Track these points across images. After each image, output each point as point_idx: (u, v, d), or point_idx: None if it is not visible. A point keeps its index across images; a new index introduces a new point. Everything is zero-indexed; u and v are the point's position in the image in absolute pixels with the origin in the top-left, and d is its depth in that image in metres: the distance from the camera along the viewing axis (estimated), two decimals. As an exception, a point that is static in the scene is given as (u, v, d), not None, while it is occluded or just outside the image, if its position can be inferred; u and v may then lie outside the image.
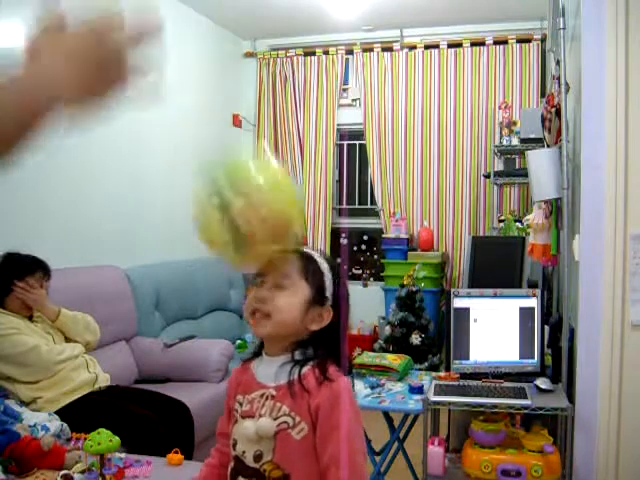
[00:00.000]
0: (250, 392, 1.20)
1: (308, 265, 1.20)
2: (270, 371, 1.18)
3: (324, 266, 1.21)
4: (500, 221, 4.47)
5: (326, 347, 1.18)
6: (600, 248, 2.36)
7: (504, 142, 4.45)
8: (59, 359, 2.58)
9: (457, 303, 2.64)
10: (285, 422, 1.13)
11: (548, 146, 2.75)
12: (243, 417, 1.18)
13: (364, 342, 4.65)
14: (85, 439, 1.88)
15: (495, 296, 2.64)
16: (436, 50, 4.93)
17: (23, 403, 2.47)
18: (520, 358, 2.62)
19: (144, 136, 4.09)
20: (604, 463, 2.36)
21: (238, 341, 4.25)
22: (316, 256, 1.22)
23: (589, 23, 2.36)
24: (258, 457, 1.14)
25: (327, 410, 1.11)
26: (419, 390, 2.58)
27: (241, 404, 1.21)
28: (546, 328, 2.72)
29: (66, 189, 3.41)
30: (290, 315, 1.16)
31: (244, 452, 1.16)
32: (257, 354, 1.24)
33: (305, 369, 1.15)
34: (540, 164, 2.65)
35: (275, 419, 1.14)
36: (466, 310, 2.63)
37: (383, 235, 4.98)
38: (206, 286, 4.26)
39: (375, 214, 5.21)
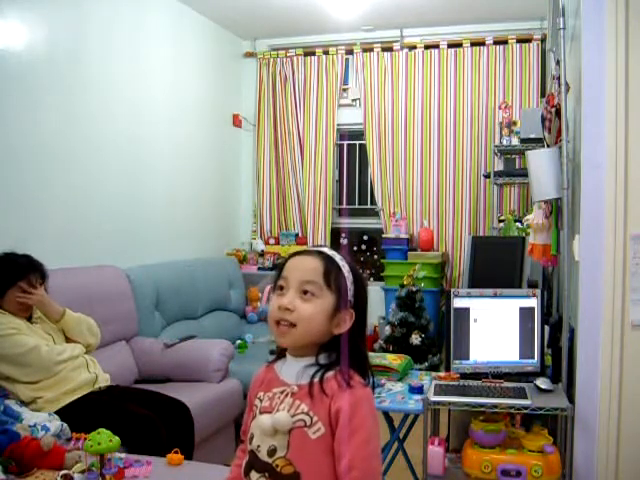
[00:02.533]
0: (271, 389, 1.22)
1: (331, 270, 1.19)
2: (293, 370, 1.20)
3: (346, 269, 1.20)
4: (500, 221, 4.47)
5: (349, 350, 1.18)
6: (600, 248, 2.36)
7: (504, 142, 4.45)
8: (59, 359, 2.58)
9: (457, 303, 2.63)
10: (302, 420, 1.15)
11: (548, 146, 2.74)
12: (262, 413, 1.20)
13: (364, 342, 4.64)
14: (85, 439, 1.87)
15: (495, 296, 2.64)
16: (436, 50, 4.93)
17: (23, 403, 2.47)
18: (520, 358, 2.62)
19: (144, 136, 4.09)
20: (604, 463, 2.36)
21: (238, 341, 4.25)
22: (337, 258, 1.21)
23: (589, 23, 2.36)
24: (272, 452, 1.16)
25: (348, 414, 1.12)
26: (419, 390, 2.58)
27: (261, 400, 1.23)
28: (546, 328, 2.72)
29: (66, 189, 3.41)
30: (316, 325, 1.17)
31: (259, 446, 1.18)
32: (280, 356, 1.26)
33: (328, 374, 1.16)
34: (540, 164, 2.64)
35: (293, 416, 1.15)
36: (466, 310, 2.62)
37: (383, 235, 4.98)
38: (206, 286, 4.26)
39: (375, 214, 5.21)
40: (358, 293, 1.22)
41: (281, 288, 1.19)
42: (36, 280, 2.66)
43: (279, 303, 1.17)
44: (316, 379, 1.16)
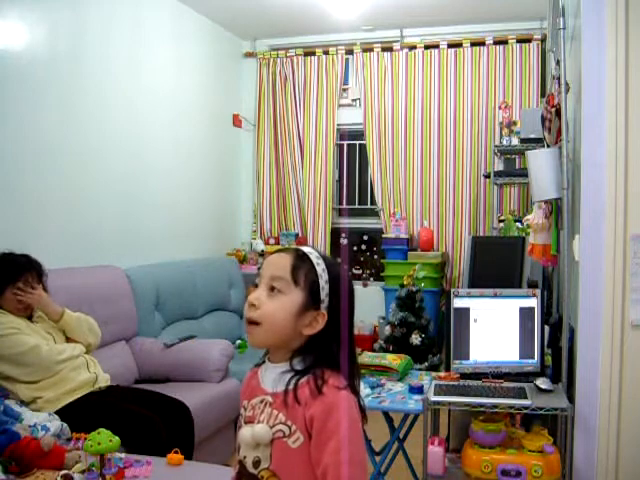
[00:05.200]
0: (253, 397, 1.20)
1: (300, 267, 1.15)
2: (271, 378, 1.17)
3: (320, 267, 1.16)
4: (500, 221, 4.46)
5: (325, 353, 1.15)
6: (600, 248, 2.36)
7: (504, 142, 4.45)
8: (59, 359, 2.58)
9: (457, 303, 2.63)
10: (281, 430, 1.12)
11: (548, 146, 2.74)
12: (246, 422, 1.18)
13: (364, 342, 4.65)
14: (85, 439, 1.88)
15: (495, 296, 2.64)
16: (436, 50, 4.93)
17: (23, 403, 2.47)
18: (520, 358, 2.62)
19: (144, 136, 4.09)
20: (604, 463, 2.36)
21: (238, 341, 4.25)
22: (313, 255, 1.17)
23: (589, 23, 2.36)
24: (256, 463, 1.14)
25: (321, 421, 1.09)
26: (419, 390, 2.58)
27: (245, 409, 1.21)
28: (546, 328, 2.72)
29: (66, 189, 3.41)
30: (280, 321, 1.14)
31: (245, 457, 1.16)
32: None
33: (302, 380, 1.13)
34: (540, 164, 2.65)
35: (272, 427, 1.13)
36: (466, 310, 2.63)
37: (383, 235, 4.98)
38: (206, 286, 4.26)
39: (375, 214, 5.21)
40: (336, 293, 1.16)
41: (256, 285, 1.18)
42: (34, 279, 2.66)
43: (248, 299, 1.17)
44: (290, 387, 1.13)
